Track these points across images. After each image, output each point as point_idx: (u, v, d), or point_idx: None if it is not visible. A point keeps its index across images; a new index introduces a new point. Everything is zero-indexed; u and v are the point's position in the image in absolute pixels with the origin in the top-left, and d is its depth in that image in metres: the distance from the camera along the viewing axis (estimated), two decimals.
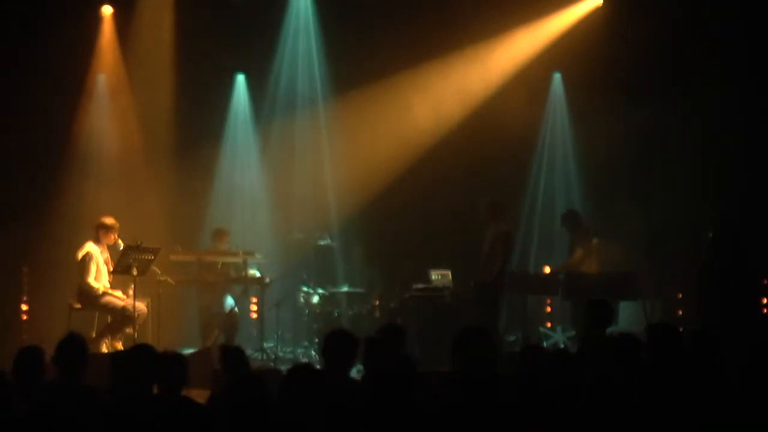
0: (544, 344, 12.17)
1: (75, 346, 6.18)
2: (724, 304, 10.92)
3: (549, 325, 13.36)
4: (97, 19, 13.26)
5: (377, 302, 12.39)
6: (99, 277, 10.74)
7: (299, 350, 12.45)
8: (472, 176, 13.40)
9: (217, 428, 4.92)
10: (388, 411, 5.15)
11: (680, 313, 12.44)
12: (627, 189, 13.46)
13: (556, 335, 12.95)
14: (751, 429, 5.37)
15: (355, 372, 6.88)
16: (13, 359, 6.05)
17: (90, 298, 10.66)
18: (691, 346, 6.08)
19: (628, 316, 12.04)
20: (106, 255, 10.84)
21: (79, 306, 10.75)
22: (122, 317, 10.59)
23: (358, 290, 12.63)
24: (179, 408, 5.38)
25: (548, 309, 13.58)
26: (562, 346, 12.43)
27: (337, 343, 6.24)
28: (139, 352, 5.95)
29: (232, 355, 6.59)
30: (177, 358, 5.92)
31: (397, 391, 5.26)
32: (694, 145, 13.12)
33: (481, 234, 11.50)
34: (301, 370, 5.25)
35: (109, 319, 10.82)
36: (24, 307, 12.49)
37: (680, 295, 12.52)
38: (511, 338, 12.55)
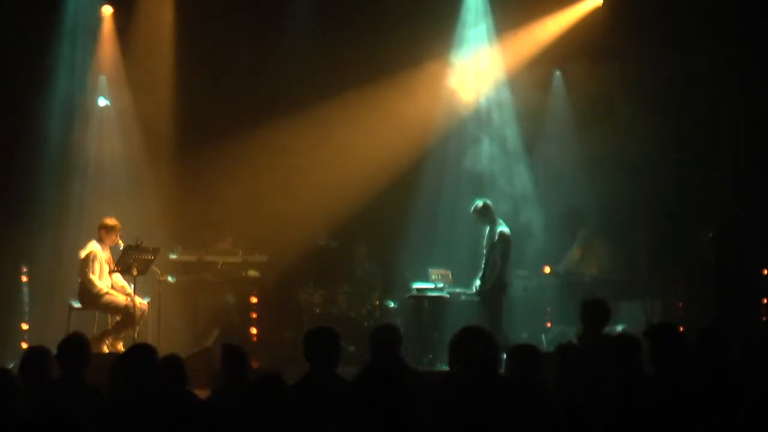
0: (544, 344, 12.15)
1: (77, 346, 6.20)
2: (724, 303, 10.92)
3: (549, 325, 13.34)
4: (97, 18, 13.27)
5: (377, 302, 12.40)
6: (101, 277, 10.73)
7: None
8: (473, 176, 13.39)
9: (219, 425, 4.92)
10: (384, 411, 5.13)
11: (680, 313, 12.43)
12: (627, 189, 13.44)
13: (555, 335, 12.94)
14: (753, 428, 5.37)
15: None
16: (21, 359, 6.09)
17: (91, 296, 10.64)
18: (699, 344, 6.07)
19: (628, 316, 12.04)
20: (108, 255, 10.84)
21: (79, 306, 10.74)
22: (126, 315, 10.58)
23: (358, 290, 12.62)
24: (181, 402, 5.38)
25: (548, 309, 13.54)
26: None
27: (318, 341, 6.10)
28: (136, 353, 5.94)
29: (234, 354, 6.57)
30: (172, 360, 5.92)
31: (392, 391, 5.23)
32: (696, 146, 13.12)
33: (480, 234, 11.55)
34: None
35: (110, 318, 10.83)
36: (24, 308, 12.48)
37: (680, 296, 12.51)
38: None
